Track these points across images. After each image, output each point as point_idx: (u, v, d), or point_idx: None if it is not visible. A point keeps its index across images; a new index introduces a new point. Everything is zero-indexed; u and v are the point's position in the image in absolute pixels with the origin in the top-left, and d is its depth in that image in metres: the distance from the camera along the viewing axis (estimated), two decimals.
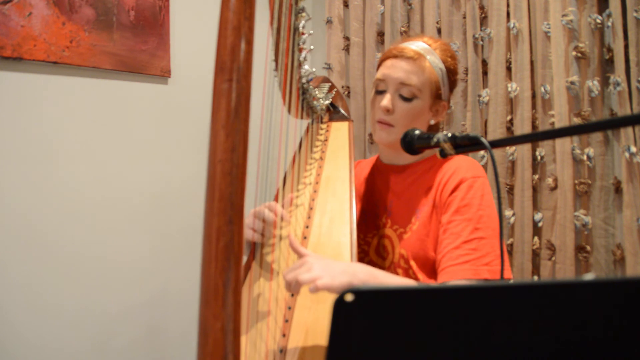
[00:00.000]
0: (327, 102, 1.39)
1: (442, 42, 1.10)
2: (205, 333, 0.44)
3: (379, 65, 1.11)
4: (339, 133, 1.38)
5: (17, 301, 1.37)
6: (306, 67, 1.11)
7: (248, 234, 0.99)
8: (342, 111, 1.47)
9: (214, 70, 0.51)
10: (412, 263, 1.04)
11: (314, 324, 0.84)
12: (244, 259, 0.99)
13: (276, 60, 0.95)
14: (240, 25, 0.51)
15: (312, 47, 1.11)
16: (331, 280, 0.75)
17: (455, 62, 1.11)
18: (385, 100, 1.05)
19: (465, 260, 0.91)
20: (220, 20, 0.51)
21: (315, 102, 1.26)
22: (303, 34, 1.04)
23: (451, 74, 1.10)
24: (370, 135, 2.05)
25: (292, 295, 0.91)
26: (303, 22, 1.02)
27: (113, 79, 1.58)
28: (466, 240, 0.93)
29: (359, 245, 1.16)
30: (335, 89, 1.45)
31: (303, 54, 1.07)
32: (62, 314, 1.45)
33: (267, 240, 1.01)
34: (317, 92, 1.27)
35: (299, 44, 1.04)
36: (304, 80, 1.13)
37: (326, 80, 1.47)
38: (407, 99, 1.04)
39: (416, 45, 1.07)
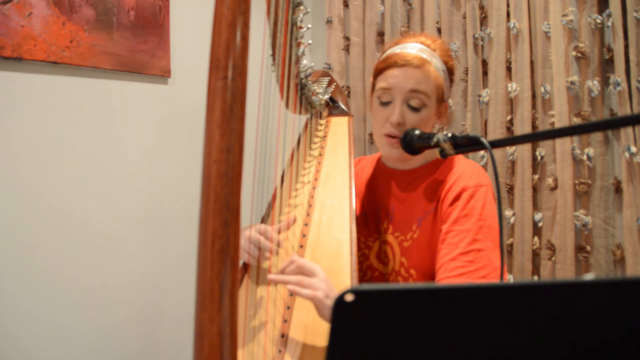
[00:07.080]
0: (326, 97, 1.36)
1: (440, 42, 1.07)
2: (201, 338, 0.43)
3: (379, 73, 1.05)
4: (338, 128, 1.35)
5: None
6: (305, 61, 1.07)
7: (243, 256, 0.98)
8: (342, 105, 1.44)
9: (208, 68, 0.49)
10: (413, 272, 1.04)
11: (313, 323, 0.84)
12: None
13: (273, 54, 0.91)
14: (235, 21, 0.49)
15: (310, 41, 1.07)
16: (325, 298, 0.78)
17: (453, 62, 1.09)
18: (396, 115, 1.00)
19: (461, 272, 0.90)
20: (215, 16, 0.50)
21: (314, 97, 1.23)
22: (301, 27, 1.00)
23: (451, 74, 1.09)
24: (371, 135, 2.05)
25: (291, 295, 0.91)
26: (301, 15, 0.97)
27: (113, 79, 1.57)
28: (463, 252, 0.91)
29: (359, 248, 1.15)
30: (334, 83, 1.42)
31: (301, 48, 1.03)
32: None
33: (263, 265, 0.98)
34: (315, 87, 1.24)
35: (297, 38, 1.00)
36: (302, 75, 1.09)
37: (325, 74, 1.43)
38: (415, 109, 1.01)
39: (416, 48, 1.03)
